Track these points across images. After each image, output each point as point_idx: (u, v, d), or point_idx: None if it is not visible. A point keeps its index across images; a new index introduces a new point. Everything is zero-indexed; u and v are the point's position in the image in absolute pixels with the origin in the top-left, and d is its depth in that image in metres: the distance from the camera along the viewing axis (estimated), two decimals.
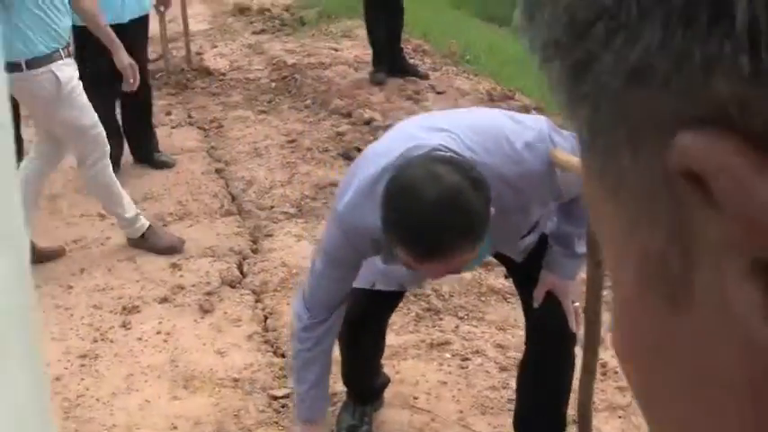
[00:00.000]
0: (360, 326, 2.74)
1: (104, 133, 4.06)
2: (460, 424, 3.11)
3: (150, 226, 4.28)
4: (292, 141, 5.64)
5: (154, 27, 5.58)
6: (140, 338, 3.61)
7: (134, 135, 5.17)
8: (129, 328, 3.67)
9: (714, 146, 0.25)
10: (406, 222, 1.90)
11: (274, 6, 9.00)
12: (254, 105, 6.35)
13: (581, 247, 2.42)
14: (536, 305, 2.54)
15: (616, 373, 3.26)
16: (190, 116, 6.16)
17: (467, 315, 3.77)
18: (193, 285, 3.98)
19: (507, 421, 2.98)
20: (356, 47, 7.61)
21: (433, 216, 1.86)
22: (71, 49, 3.97)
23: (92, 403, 3.23)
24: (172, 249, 4.25)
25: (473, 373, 3.37)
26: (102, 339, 3.61)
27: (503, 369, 3.36)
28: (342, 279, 2.35)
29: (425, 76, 6.75)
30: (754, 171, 0.24)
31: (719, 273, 0.26)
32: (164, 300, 3.87)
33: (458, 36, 7.84)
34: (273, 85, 6.78)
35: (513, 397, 2.92)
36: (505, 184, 2.10)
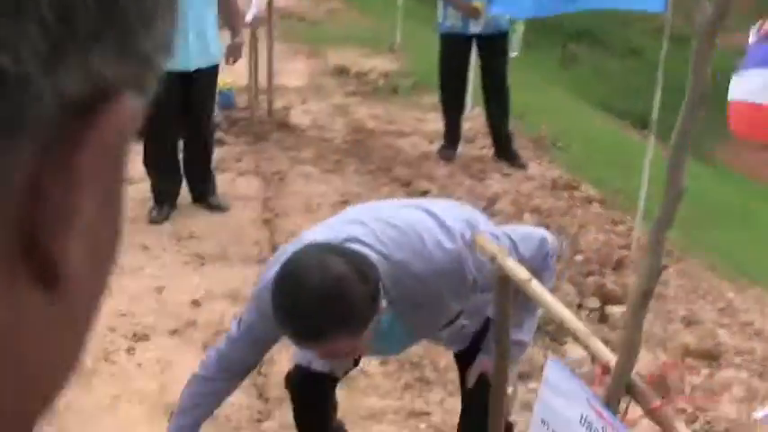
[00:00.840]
0: (305, 402, 2.86)
1: None
2: None
3: None
4: (345, 202, 5.81)
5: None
6: (140, 364, 3.82)
7: (192, 176, 5.48)
8: (132, 353, 3.89)
9: None
10: (285, 305, 2.00)
11: (373, 71, 9.24)
12: (321, 163, 6.53)
13: (517, 334, 2.50)
14: (469, 386, 2.63)
15: None
16: (257, 166, 6.40)
17: (456, 390, 3.81)
18: (206, 323, 4.18)
19: None
20: (441, 120, 7.74)
21: (311, 302, 1.95)
22: None
23: (72, 415, 3.42)
24: None
25: None
26: (105, 360, 3.83)
27: None
28: (249, 351, 2.41)
29: (523, 166, 6.71)
30: None
31: None
32: (174, 332, 4.08)
33: (560, 122, 7.86)
34: (345, 146, 7.00)
35: None
36: (415, 279, 2.22)
